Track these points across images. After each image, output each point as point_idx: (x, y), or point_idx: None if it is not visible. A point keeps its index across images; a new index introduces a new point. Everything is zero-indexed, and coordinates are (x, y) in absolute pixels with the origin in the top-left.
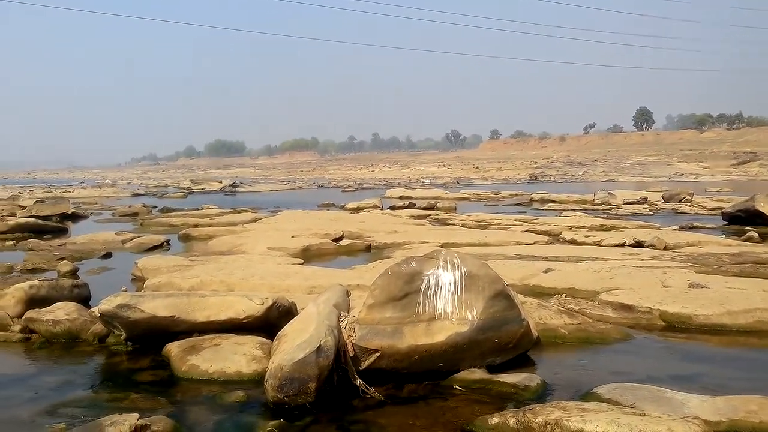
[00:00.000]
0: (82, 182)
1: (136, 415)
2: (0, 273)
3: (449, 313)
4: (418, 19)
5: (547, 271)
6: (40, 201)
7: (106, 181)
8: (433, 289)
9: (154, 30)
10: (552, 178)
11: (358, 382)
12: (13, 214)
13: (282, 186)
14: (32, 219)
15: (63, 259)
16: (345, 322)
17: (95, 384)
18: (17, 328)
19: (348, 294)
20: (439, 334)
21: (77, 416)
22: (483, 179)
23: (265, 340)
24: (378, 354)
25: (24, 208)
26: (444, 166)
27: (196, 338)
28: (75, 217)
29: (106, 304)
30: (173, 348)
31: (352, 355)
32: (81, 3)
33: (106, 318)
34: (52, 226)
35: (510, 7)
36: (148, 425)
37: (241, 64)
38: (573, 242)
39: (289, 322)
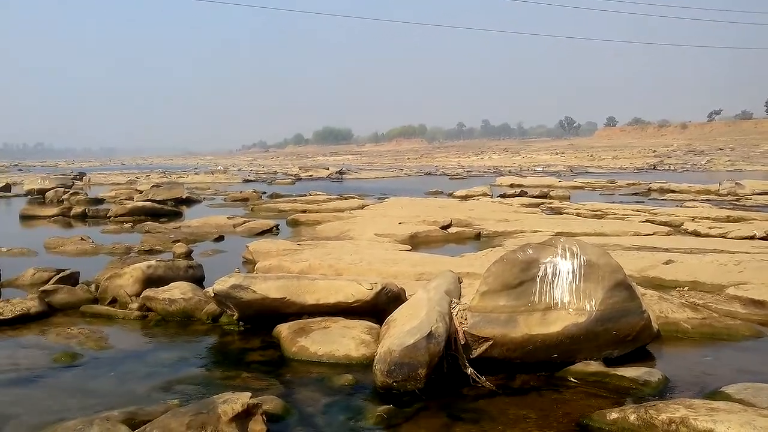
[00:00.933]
0: (196, 168)
1: (248, 393)
2: (119, 253)
3: (566, 302)
4: (534, 3)
5: (667, 262)
6: (156, 186)
7: (219, 167)
8: (550, 277)
9: (264, 20)
10: (671, 168)
11: (469, 370)
12: (131, 198)
13: (388, 173)
14: (149, 203)
15: (178, 241)
16: (456, 309)
17: (208, 362)
18: (135, 305)
19: (459, 281)
20: (555, 325)
21: (190, 393)
22: (598, 168)
23: (373, 324)
24: (490, 342)
25: (141, 192)
26: (556, 153)
27: (306, 320)
28: (189, 201)
29: (220, 284)
30: (283, 329)
31: (463, 342)
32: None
33: (220, 298)
34: (168, 210)
35: None
36: (259, 404)
37: (349, 51)
38: (696, 234)
39: (398, 308)
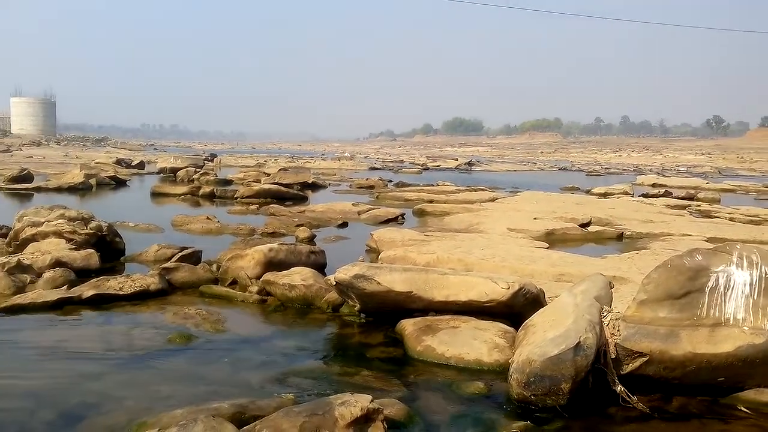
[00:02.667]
0: (323, 155)
1: (369, 396)
2: (243, 235)
3: (740, 319)
4: None
5: None
6: (283, 169)
7: (345, 154)
8: (722, 289)
9: (399, 5)
10: None
11: (619, 388)
12: (258, 181)
13: (520, 166)
14: (275, 186)
15: (301, 225)
16: (608, 319)
17: (326, 355)
18: (255, 289)
19: (611, 286)
20: (725, 344)
21: (306, 388)
22: (749, 170)
23: (508, 327)
24: (646, 359)
25: (268, 175)
26: (702, 154)
27: (433, 318)
28: (314, 186)
29: (342, 272)
30: (408, 326)
31: (613, 356)
32: None
33: (342, 287)
34: (293, 194)
35: None
36: (380, 409)
37: (482, 40)
38: None
39: (538, 312)
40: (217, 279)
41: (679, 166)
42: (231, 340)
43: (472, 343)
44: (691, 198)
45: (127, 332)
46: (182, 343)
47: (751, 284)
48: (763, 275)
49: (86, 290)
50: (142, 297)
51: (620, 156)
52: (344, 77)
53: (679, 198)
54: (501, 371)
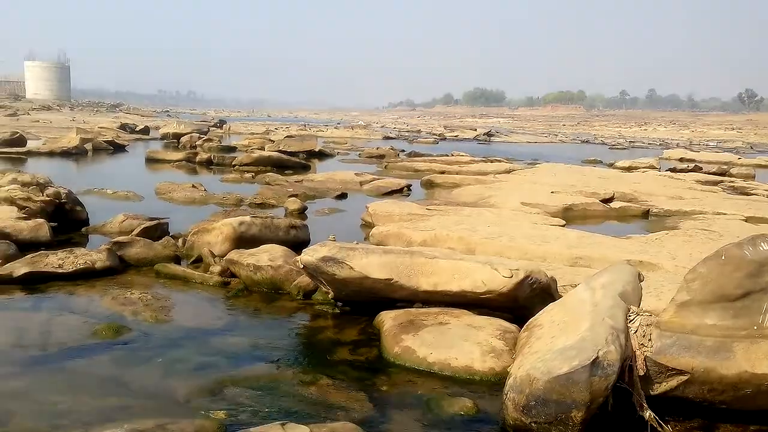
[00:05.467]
0: (338, 123)
1: (307, 430)
2: (228, 205)
3: None
4: None
5: None
6: (289, 137)
7: (359, 122)
8: None
9: None
10: None
11: (648, 414)
12: (263, 148)
13: (541, 138)
14: (276, 153)
15: (295, 195)
16: (636, 324)
17: (283, 356)
18: (216, 269)
19: (640, 279)
20: None
21: (243, 403)
22: None
23: (509, 325)
24: (685, 378)
25: (273, 142)
26: (732, 129)
27: (417, 310)
28: (321, 155)
29: (309, 254)
30: (387, 319)
31: (641, 373)
32: None
33: (310, 271)
34: (295, 162)
35: None
36: None
37: (503, 9)
38: None
39: (547, 308)
40: (179, 256)
41: (707, 140)
42: (171, 333)
43: (462, 345)
44: (722, 173)
45: (49, 321)
46: (109, 337)
47: None
48: None
49: (18, 267)
50: (86, 276)
51: (646, 130)
52: (365, 47)
53: (709, 173)
54: (496, 383)
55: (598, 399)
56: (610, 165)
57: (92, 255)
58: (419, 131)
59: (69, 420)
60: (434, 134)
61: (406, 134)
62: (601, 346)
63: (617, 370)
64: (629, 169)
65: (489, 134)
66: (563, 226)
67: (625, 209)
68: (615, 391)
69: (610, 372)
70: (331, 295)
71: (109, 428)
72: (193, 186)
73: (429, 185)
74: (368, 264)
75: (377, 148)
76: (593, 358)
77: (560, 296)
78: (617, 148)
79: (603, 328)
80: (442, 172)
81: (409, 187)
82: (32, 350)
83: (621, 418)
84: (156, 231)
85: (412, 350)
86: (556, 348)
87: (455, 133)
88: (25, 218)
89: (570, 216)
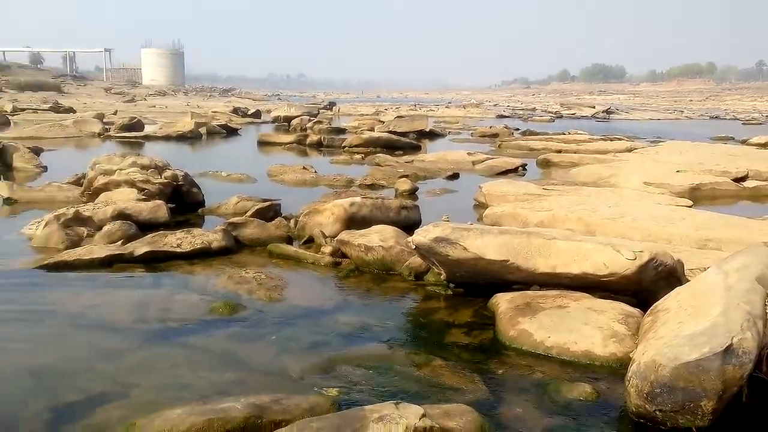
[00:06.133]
0: (449, 102)
1: (420, 410)
2: (338, 186)
3: None
4: None
5: None
6: (399, 117)
7: (471, 101)
8: None
9: None
10: None
11: None
12: (372, 129)
13: (665, 115)
14: (386, 134)
15: (405, 176)
16: None
17: (395, 336)
18: (328, 250)
19: None
20: None
21: (356, 382)
22: None
23: (632, 309)
24: None
25: (383, 123)
26: None
27: (534, 293)
28: (432, 135)
29: (421, 234)
30: (502, 302)
31: None
32: None
33: (423, 252)
34: (405, 143)
35: None
36: (434, 428)
37: None
38: None
39: (674, 292)
40: (291, 237)
41: None
42: (285, 311)
43: (582, 329)
44: None
45: (168, 298)
46: (226, 314)
47: None
48: None
49: (139, 247)
50: (202, 255)
51: None
52: (478, 25)
53: None
54: (617, 368)
55: (731, 389)
56: (744, 142)
57: (208, 235)
58: (534, 109)
59: (189, 392)
60: (550, 112)
61: (520, 113)
62: (736, 333)
63: (753, 359)
64: (765, 145)
65: (608, 112)
66: (690, 206)
67: (760, 189)
68: (751, 381)
69: (745, 360)
70: (443, 276)
71: (227, 401)
72: (304, 168)
73: (545, 164)
74: (483, 245)
75: (490, 127)
76: (726, 345)
77: (687, 280)
78: (752, 124)
79: (738, 313)
80: (559, 151)
81: (524, 166)
82: (153, 325)
83: (759, 410)
84: (269, 212)
85: (528, 333)
86: (684, 334)
87: (572, 111)
88: (144, 200)
89: (697, 196)
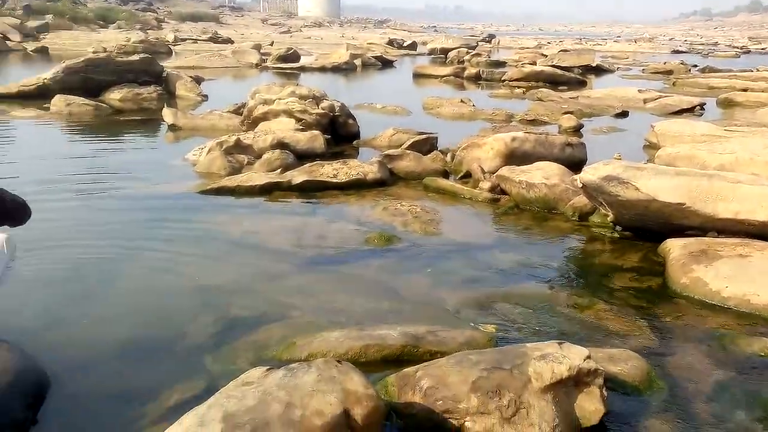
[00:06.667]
0: (618, 36)
1: (585, 351)
2: (497, 121)
3: None
4: None
5: None
6: (563, 51)
7: (644, 35)
8: None
9: None
10: None
11: None
12: (534, 63)
13: None
14: (549, 68)
15: (569, 112)
16: None
17: (556, 276)
18: (486, 185)
19: None
20: None
21: (514, 320)
22: None
23: None
24: None
25: (546, 57)
26: None
27: (712, 239)
28: (598, 70)
29: (590, 172)
30: (674, 247)
31: None
32: None
33: (590, 191)
34: (569, 78)
35: None
36: (598, 371)
37: None
38: None
39: None
40: (447, 171)
41: None
42: (440, 245)
43: (766, 280)
44: None
45: (324, 227)
46: (381, 245)
47: None
48: None
49: (297, 176)
50: (357, 186)
51: None
52: None
53: None
54: None
55: None
56: None
57: (364, 167)
58: (716, 44)
59: (344, 317)
60: (735, 47)
61: (700, 47)
62: None
63: None
64: None
65: None
66: None
67: None
68: None
69: None
70: (610, 218)
71: (383, 329)
72: (461, 101)
73: (727, 104)
74: (657, 186)
75: (664, 63)
76: None
77: None
78: None
79: None
80: (745, 90)
81: (702, 105)
82: (310, 251)
83: None
84: (425, 145)
85: (703, 282)
86: None
87: (762, 46)
88: (302, 130)
89: None
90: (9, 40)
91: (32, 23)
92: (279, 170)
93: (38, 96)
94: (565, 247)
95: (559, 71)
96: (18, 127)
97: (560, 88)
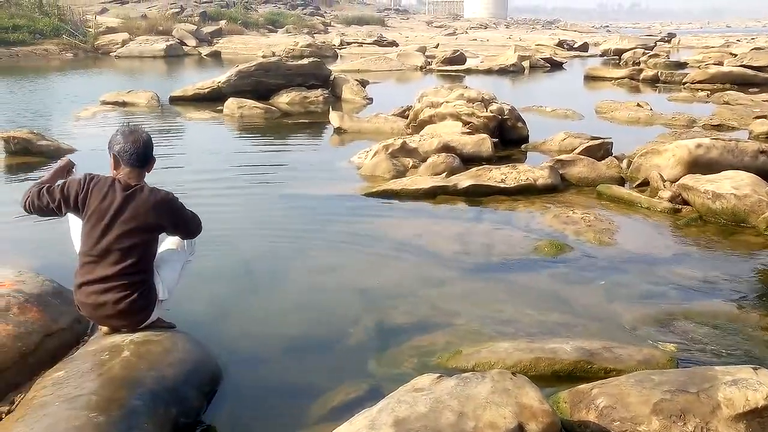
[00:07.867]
0: None
1: None
2: (677, 126)
3: None
4: None
5: None
6: (757, 49)
7: None
8: None
9: None
10: None
11: None
12: (720, 63)
13: None
14: (738, 68)
15: (763, 117)
16: None
17: (746, 296)
18: (666, 194)
19: None
20: None
21: (697, 340)
22: None
23: None
24: None
25: (735, 56)
26: None
27: None
28: None
29: None
30: None
31: None
32: None
33: None
34: (763, 78)
35: None
36: None
37: None
38: None
39: None
40: (623, 178)
41: None
42: (615, 257)
43: None
44: None
45: (491, 233)
46: (551, 254)
47: None
48: None
49: (463, 180)
50: (526, 192)
51: None
52: None
53: None
54: None
55: None
56: None
57: (534, 172)
58: None
59: (513, 328)
60: None
61: None
62: None
63: None
64: None
65: None
66: None
67: None
68: None
69: None
70: None
71: (554, 342)
72: (638, 105)
73: None
74: None
75: None
76: None
77: None
78: None
79: None
80: None
81: None
82: (475, 258)
83: None
84: (599, 151)
85: None
86: None
87: None
88: (469, 133)
89: None
90: (185, 45)
91: (207, 29)
92: (444, 174)
93: (212, 99)
94: (756, 264)
95: (750, 72)
96: (192, 128)
97: (751, 90)
